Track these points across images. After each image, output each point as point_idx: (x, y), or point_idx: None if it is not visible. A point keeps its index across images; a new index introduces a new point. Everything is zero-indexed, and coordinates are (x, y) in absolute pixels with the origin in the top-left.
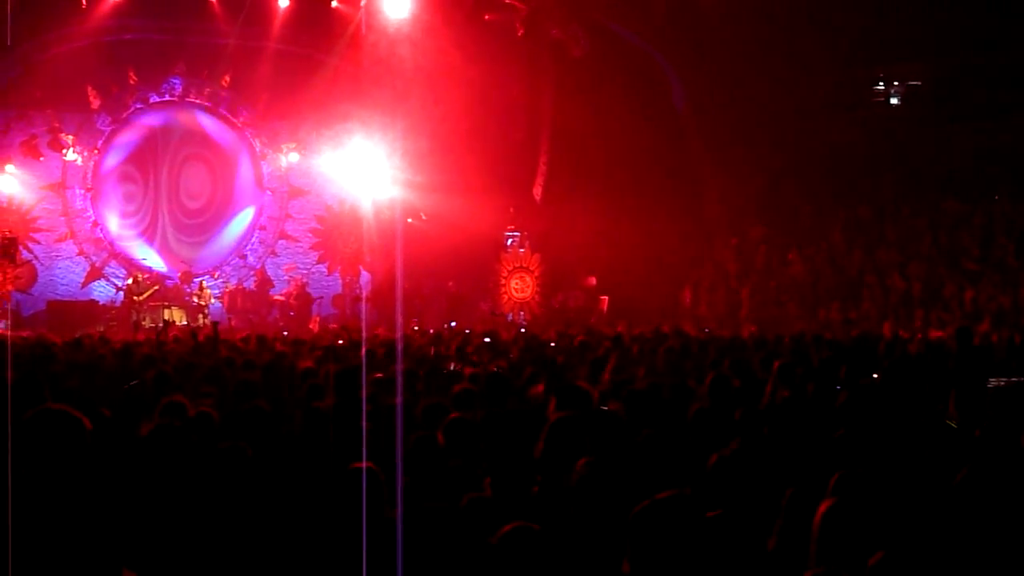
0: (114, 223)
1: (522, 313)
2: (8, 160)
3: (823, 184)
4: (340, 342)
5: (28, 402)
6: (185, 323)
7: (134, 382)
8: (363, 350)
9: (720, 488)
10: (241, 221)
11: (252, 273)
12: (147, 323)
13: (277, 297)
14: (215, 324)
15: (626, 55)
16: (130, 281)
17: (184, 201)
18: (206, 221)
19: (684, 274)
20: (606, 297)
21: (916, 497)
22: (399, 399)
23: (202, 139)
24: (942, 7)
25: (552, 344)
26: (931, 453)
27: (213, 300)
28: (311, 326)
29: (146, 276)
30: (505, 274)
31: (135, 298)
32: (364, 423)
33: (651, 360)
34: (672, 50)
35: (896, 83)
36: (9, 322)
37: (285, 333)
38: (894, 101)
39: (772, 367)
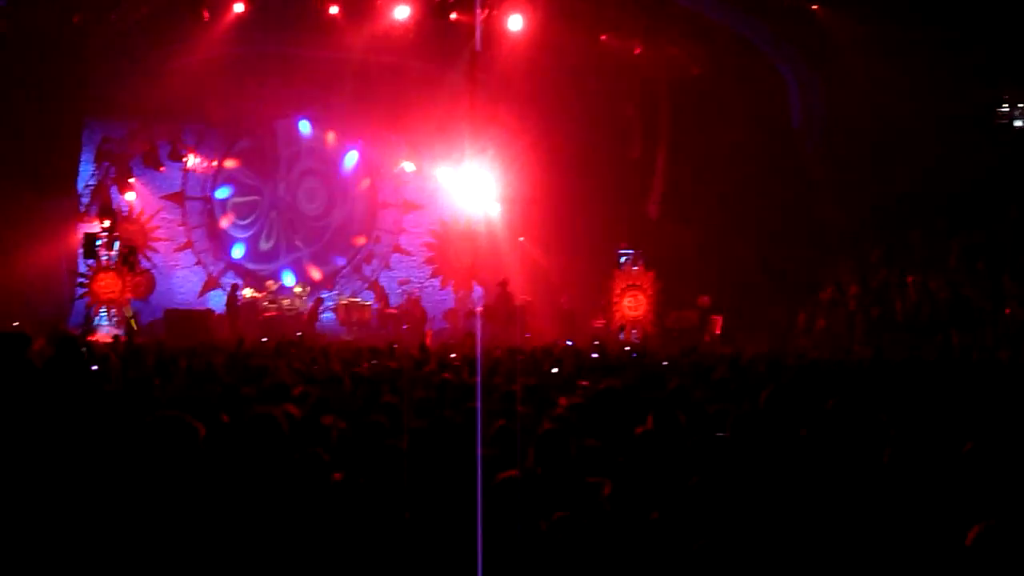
0: (232, 234)
1: (634, 331)
2: (129, 169)
3: (943, 207)
4: (452, 356)
5: (144, 407)
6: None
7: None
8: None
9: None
10: (356, 234)
11: (366, 286)
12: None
13: (390, 310)
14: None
15: (744, 72)
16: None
17: (301, 214)
18: (321, 234)
19: (800, 295)
20: (719, 317)
21: None
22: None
23: (319, 153)
24: None
25: (665, 364)
26: None
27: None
28: (425, 341)
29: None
30: (618, 292)
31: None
32: (479, 444)
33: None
34: (791, 66)
35: (1021, 105)
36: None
37: (395, 346)
38: (1018, 123)
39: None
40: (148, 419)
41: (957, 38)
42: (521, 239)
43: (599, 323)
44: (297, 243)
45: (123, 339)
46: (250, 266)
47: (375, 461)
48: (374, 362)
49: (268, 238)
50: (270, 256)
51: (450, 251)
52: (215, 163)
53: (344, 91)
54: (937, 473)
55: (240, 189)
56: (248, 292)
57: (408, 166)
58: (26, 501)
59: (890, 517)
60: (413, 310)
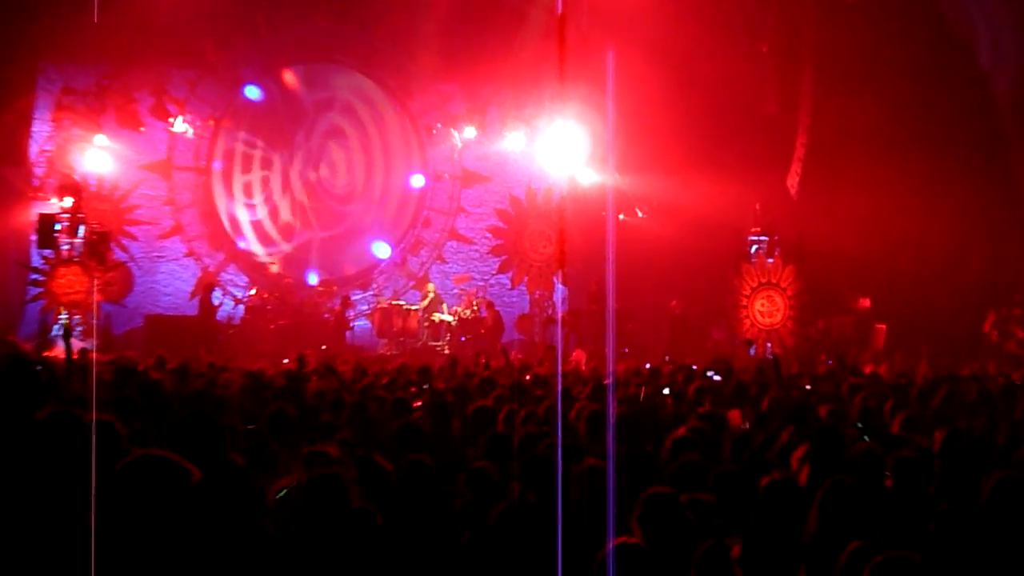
0: (235, 215)
1: (769, 344)
2: (99, 130)
3: None
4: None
5: (112, 446)
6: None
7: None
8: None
9: None
10: (398, 216)
11: (412, 284)
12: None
13: (443, 318)
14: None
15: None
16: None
17: (326, 187)
18: (352, 215)
19: (992, 296)
20: (883, 325)
21: None
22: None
23: (350, 108)
24: None
25: (809, 388)
26: None
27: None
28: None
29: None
30: (748, 292)
31: None
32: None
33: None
34: None
35: None
36: (95, 342)
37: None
38: None
39: None
40: (129, 460)
41: None
42: (621, 216)
43: (720, 334)
44: (319, 228)
45: (75, 355)
46: (258, 257)
47: (418, 507)
48: (425, 387)
49: (281, 220)
50: (280, 238)
51: (523, 237)
52: (212, 122)
53: (382, 28)
54: None
55: (245, 155)
56: (253, 292)
57: (469, 132)
58: None
59: None
60: (484, 316)
